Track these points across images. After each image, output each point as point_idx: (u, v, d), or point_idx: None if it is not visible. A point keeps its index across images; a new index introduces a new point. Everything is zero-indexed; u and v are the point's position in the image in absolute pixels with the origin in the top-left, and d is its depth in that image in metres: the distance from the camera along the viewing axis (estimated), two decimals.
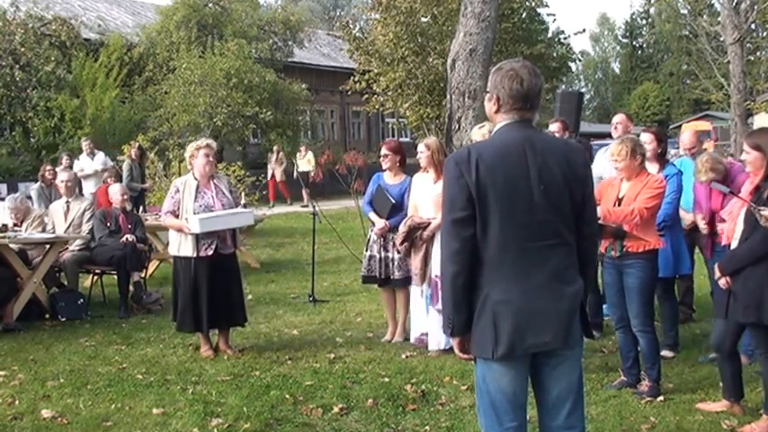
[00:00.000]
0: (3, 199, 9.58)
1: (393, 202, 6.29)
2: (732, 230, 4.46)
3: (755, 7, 21.67)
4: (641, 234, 4.80)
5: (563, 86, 28.36)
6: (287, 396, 4.99)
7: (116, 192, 8.38)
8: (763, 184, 4.25)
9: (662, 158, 5.80)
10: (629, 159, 4.85)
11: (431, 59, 18.87)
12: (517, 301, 2.75)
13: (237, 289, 6.22)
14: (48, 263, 7.51)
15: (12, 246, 7.32)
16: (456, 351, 2.91)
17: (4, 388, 5.29)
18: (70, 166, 11.71)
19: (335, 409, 4.73)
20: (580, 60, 44.48)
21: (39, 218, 8.10)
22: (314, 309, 7.86)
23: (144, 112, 21.39)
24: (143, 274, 8.31)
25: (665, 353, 5.61)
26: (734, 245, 4.39)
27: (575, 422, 2.90)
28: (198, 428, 4.47)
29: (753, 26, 23.90)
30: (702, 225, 5.65)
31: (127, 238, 7.89)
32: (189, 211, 5.92)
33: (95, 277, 8.34)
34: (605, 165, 6.34)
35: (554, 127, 7.27)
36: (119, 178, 11.38)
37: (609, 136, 7.88)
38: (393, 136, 33.06)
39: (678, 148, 9.47)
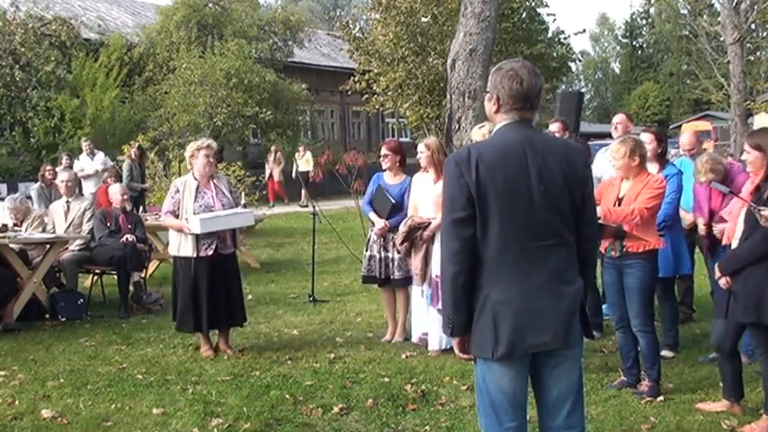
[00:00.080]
0: (2, 199, 9.58)
1: (393, 202, 6.29)
2: (732, 230, 4.46)
3: (755, 7, 21.67)
4: (641, 234, 4.80)
5: (563, 86, 28.36)
6: (287, 396, 4.99)
7: (116, 192, 8.38)
8: (764, 184, 4.25)
9: (662, 158, 5.80)
10: (627, 159, 4.85)
11: (431, 59, 18.87)
12: (517, 301, 2.75)
13: (237, 289, 6.22)
14: (48, 263, 7.51)
15: (12, 246, 7.32)
16: (456, 351, 2.91)
17: (4, 388, 5.29)
18: (70, 166, 11.71)
19: (335, 409, 4.73)
20: (580, 60, 44.50)
21: (39, 218, 8.10)
22: (314, 309, 7.87)
23: (144, 112, 21.39)
24: (143, 274, 8.31)
25: (665, 353, 5.61)
26: (734, 245, 4.39)
27: (575, 422, 2.90)
28: (198, 428, 4.47)
29: (753, 26, 23.89)
30: (702, 227, 5.64)
31: (127, 238, 7.89)
32: (189, 212, 5.92)
33: (95, 277, 8.35)
34: (605, 165, 6.35)
35: (554, 127, 7.27)
36: (119, 178, 11.38)
37: (609, 136, 7.88)
38: (393, 136, 33.06)
39: (678, 148, 9.47)
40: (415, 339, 6.25)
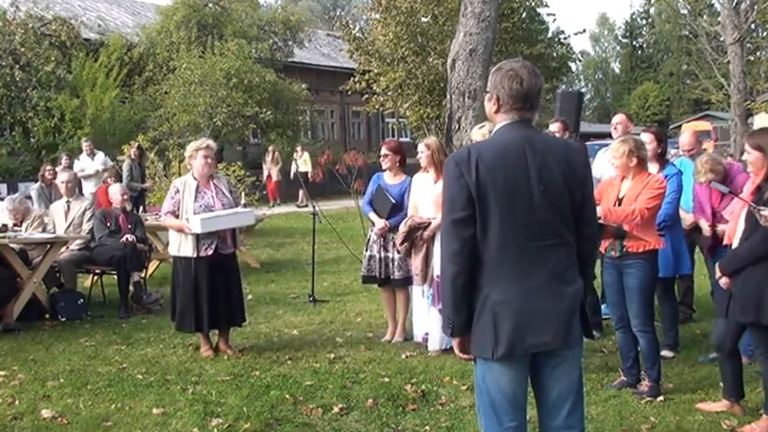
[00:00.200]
0: (2, 199, 9.58)
1: (393, 202, 6.29)
2: (733, 230, 4.46)
3: (755, 7, 21.67)
4: (641, 234, 4.80)
5: (563, 86, 28.35)
6: (287, 396, 4.99)
7: (116, 192, 8.38)
8: (764, 184, 4.25)
9: (662, 158, 5.80)
10: (625, 158, 4.85)
11: (431, 59, 18.88)
12: (517, 302, 2.75)
13: (237, 289, 6.22)
14: (48, 263, 7.51)
15: (12, 246, 7.32)
16: (456, 351, 2.91)
17: (4, 388, 5.29)
18: (69, 166, 11.70)
19: (335, 409, 4.73)
20: (580, 60, 44.53)
21: (39, 218, 8.10)
22: (314, 309, 7.86)
23: (144, 112, 21.40)
24: (143, 274, 8.31)
25: (665, 353, 5.61)
26: (735, 244, 4.39)
27: (574, 422, 2.90)
28: (198, 428, 4.47)
29: (753, 26, 23.89)
30: (707, 228, 5.63)
31: (127, 238, 7.89)
32: (189, 212, 5.91)
33: (95, 277, 8.35)
34: (605, 165, 6.34)
35: (554, 127, 7.27)
36: (119, 178, 11.39)
37: (609, 136, 7.87)
38: (393, 136, 33.05)
39: (678, 148, 9.46)
40: (418, 339, 6.25)
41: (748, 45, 24.63)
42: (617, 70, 66.38)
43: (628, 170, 4.89)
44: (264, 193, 20.23)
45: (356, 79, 20.48)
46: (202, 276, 5.92)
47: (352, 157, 11.84)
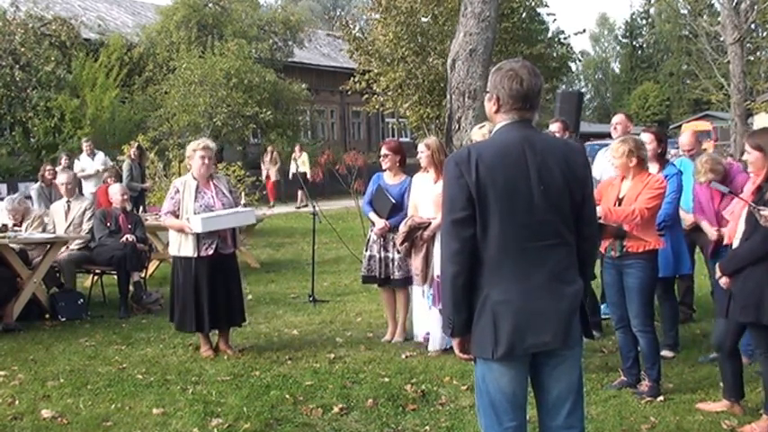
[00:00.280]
0: (2, 199, 9.58)
1: (393, 201, 6.29)
2: (734, 230, 4.46)
3: (755, 7, 21.66)
4: (641, 234, 4.80)
5: (563, 86, 28.34)
6: (287, 396, 4.99)
7: (116, 192, 8.38)
8: (765, 184, 4.25)
9: (662, 158, 5.80)
10: (625, 158, 4.85)
11: (431, 59, 18.87)
12: (517, 302, 2.75)
13: (237, 289, 6.21)
14: (48, 263, 7.51)
15: (12, 246, 7.32)
16: (456, 351, 2.91)
17: (4, 388, 5.29)
18: (69, 167, 11.70)
19: (335, 409, 4.73)
20: (580, 60, 44.51)
21: (38, 218, 8.10)
22: (314, 309, 7.86)
23: (144, 112, 21.40)
24: (143, 274, 8.31)
25: (665, 353, 5.61)
26: (735, 244, 4.39)
27: (574, 422, 2.90)
28: (198, 428, 4.47)
29: (753, 26, 23.89)
30: (712, 233, 5.60)
31: (127, 238, 7.89)
32: (189, 212, 5.91)
33: (95, 277, 8.35)
34: (605, 165, 6.34)
35: (554, 127, 7.27)
36: (119, 178, 11.39)
37: (609, 136, 7.87)
38: (393, 136, 33.05)
39: (678, 148, 9.46)
40: (419, 339, 6.25)
41: (748, 45, 24.63)
42: (617, 70, 66.38)
43: (627, 170, 4.89)
44: (264, 193, 20.22)
45: (356, 79, 20.47)
46: (203, 276, 5.92)
47: (352, 157, 11.83)
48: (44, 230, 7.89)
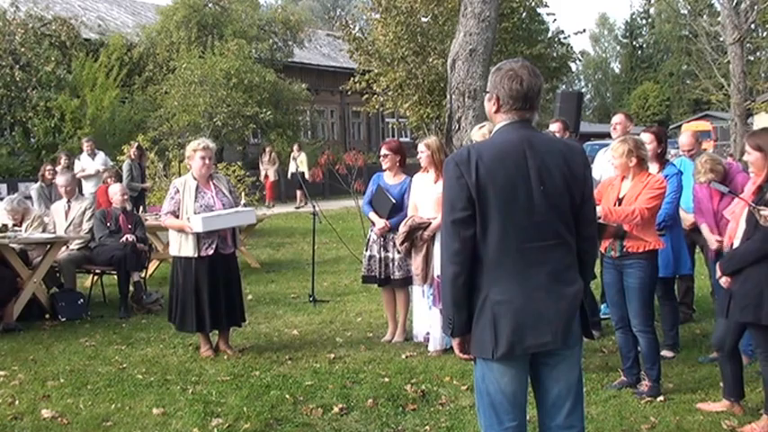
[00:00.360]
0: (2, 199, 9.57)
1: (393, 201, 6.29)
2: (734, 230, 4.47)
3: (755, 7, 21.68)
4: (641, 234, 4.80)
5: (563, 86, 28.33)
6: (287, 396, 4.99)
7: (116, 192, 8.38)
8: (766, 184, 4.25)
9: (662, 158, 5.80)
10: (625, 158, 4.86)
11: (431, 59, 18.87)
12: (517, 302, 2.75)
13: (237, 289, 6.21)
14: (48, 263, 7.51)
15: (13, 246, 7.32)
16: (456, 351, 2.91)
17: (4, 388, 5.30)
18: (68, 167, 11.69)
19: (335, 409, 4.73)
20: (580, 60, 44.48)
21: (38, 218, 8.10)
22: (314, 309, 7.86)
23: (144, 112, 21.40)
24: (143, 274, 8.31)
25: (665, 353, 5.61)
26: (736, 244, 4.39)
27: (574, 422, 2.90)
28: (198, 428, 4.47)
29: (753, 26, 23.89)
30: (713, 240, 5.57)
31: (127, 238, 7.89)
32: (190, 212, 5.91)
33: (95, 277, 8.35)
34: (605, 165, 6.34)
35: (554, 127, 7.27)
36: (119, 178, 11.38)
37: (609, 136, 7.87)
38: (393, 136, 33.05)
39: (678, 148, 9.46)
40: (420, 339, 6.25)
41: (748, 45, 24.65)
42: (617, 70, 66.38)
43: (627, 170, 4.89)
44: (264, 193, 20.22)
45: (356, 79, 20.48)
46: (203, 276, 5.92)
47: (353, 157, 11.83)
48: (44, 230, 7.89)
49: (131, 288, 7.91)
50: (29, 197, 10.27)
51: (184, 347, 6.30)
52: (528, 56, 18.23)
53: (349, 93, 22.01)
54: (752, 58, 26.82)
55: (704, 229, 5.71)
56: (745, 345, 5.03)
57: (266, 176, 21.16)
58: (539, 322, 2.75)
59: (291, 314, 7.64)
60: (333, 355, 5.98)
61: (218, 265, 5.98)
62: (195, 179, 6.05)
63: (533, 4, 20.98)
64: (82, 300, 7.69)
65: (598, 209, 4.47)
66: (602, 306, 6.76)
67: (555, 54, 21.97)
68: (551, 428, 2.92)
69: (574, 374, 2.90)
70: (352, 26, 21.40)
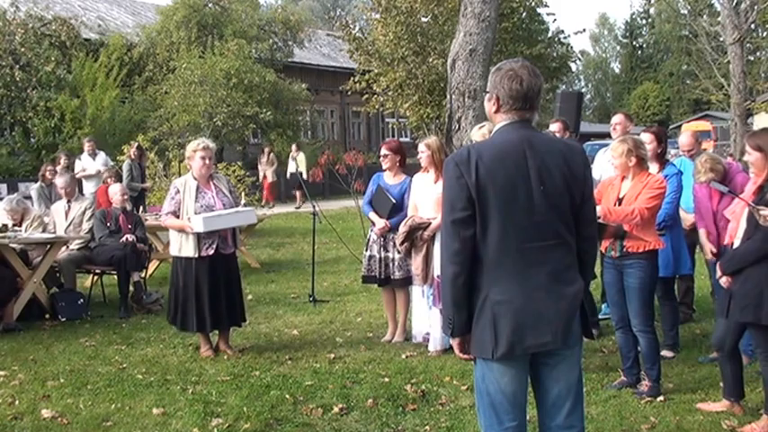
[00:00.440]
0: (2, 199, 9.57)
1: (393, 201, 6.29)
2: (735, 230, 4.46)
3: (755, 7, 21.67)
4: (641, 234, 4.80)
5: (563, 86, 28.32)
6: (287, 396, 4.99)
7: (116, 192, 8.38)
8: (766, 185, 4.25)
9: (662, 158, 5.80)
10: (624, 158, 4.86)
11: (431, 59, 18.87)
12: (517, 302, 2.75)
13: (238, 289, 6.21)
14: (48, 263, 7.51)
15: (13, 246, 7.32)
16: (456, 351, 2.91)
17: (4, 388, 5.30)
18: (68, 167, 11.69)
19: (335, 409, 4.73)
20: (580, 60, 44.50)
21: (38, 218, 8.10)
22: (314, 309, 7.86)
23: (144, 112, 21.41)
24: (143, 274, 8.31)
25: (665, 353, 5.61)
26: (736, 244, 4.39)
27: (574, 422, 2.90)
28: (198, 428, 4.47)
29: (753, 26, 23.90)
30: (708, 250, 5.56)
31: (127, 238, 7.89)
32: (190, 212, 5.91)
33: (95, 277, 8.35)
34: (605, 165, 6.34)
35: (554, 127, 7.27)
36: (119, 178, 11.37)
37: (609, 136, 7.87)
38: (393, 136, 33.05)
39: (678, 148, 9.46)
40: (419, 339, 6.25)
41: (748, 45, 24.66)
42: (617, 70, 66.36)
43: (627, 170, 4.89)
44: (262, 193, 20.21)
45: (356, 79, 20.48)
46: (204, 276, 5.92)
47: (353, 157, 11.83)
48: (44, 230, 7.89)
49: (131, 288, 7.91)
50: (29, 197, 10.27)
51: (184, 347, 6.30)
52: (528, 56, 18.23)
53: (349, 93, 22.01)
54: (752, 58, 26.83)
55: (702, 234, 5.70)
56: (745, 345, 5.03)
57: (264, 177, 21.15)
58: (539, 322, 2.75)
59: (291, 314, 7.64)
60: (333, 355, 5.98)
61: (218, 265, 5.98)
62: (195, 179, 6.05)
63: (533, 4, 20.98)
64: (82, 300, 7.69)
65: (598, 209, 4.47)
66: (603, 306, 6.76)
67: (555, 54, 21.97)
68: (551, 428, 2.92)
69: (574, 374, 2.90)
70: (352, 26, 21.41)
